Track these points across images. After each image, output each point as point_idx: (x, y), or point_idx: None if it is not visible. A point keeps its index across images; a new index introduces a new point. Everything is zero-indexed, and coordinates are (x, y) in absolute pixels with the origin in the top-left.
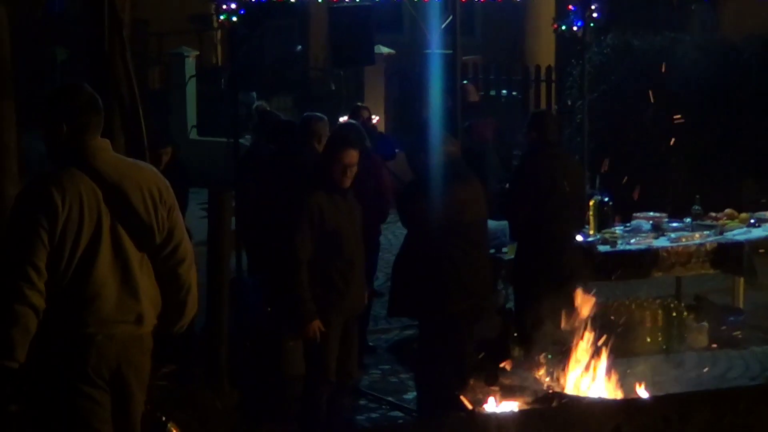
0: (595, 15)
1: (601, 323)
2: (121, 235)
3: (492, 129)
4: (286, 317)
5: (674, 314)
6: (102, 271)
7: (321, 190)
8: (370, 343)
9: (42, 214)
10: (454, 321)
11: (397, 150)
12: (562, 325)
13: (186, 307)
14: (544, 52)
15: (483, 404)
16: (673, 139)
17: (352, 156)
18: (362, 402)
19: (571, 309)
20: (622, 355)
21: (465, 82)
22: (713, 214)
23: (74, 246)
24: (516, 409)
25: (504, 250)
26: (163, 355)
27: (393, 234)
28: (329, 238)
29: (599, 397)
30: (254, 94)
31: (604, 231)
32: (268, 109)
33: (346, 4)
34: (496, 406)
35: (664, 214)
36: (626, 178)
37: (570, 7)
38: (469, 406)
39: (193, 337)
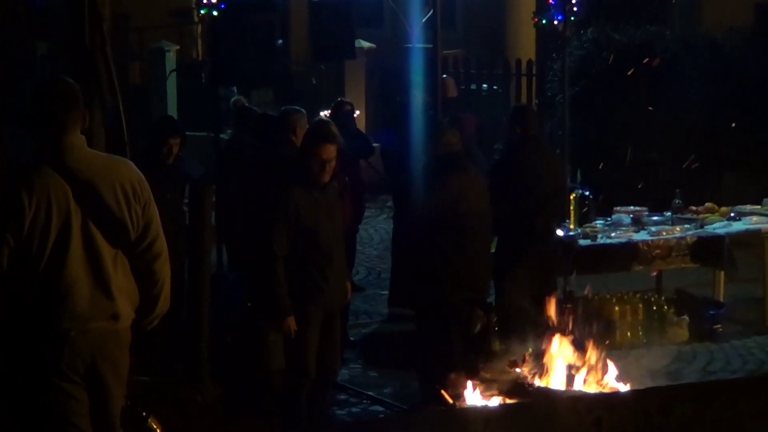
0: (575, 9)
1: (581, 317)
2: (93, 232)
3: (473, 124)
4: (266, 311)
5: (655, 308)
6: (73, 268)
7: (298, 186)
8: (351, 338)
9: (8, 213)
10: (448, 314)
11: (375, 145)
12: (543, 318)
13: (159, 301)
14: (525, 46)
15: (464, 398)
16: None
17: (330, 151)
18: (343, 396)
19: (552, 303)
20: (604, 348)
21: (444, 76)
22: (693, 208)
23: (41, 244)
24: (497, 403)
25: None
26: (133, 348)
27: (374, 228)
28: (307, 233)
29: (579, 391)
30: (235, 88)
31: (584, 225)
32: (246, 104)
33: None
34: (476, 399)
35: (644, 208)
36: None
37: (550, 0)
38: (450, 400)
39: (174, 331)
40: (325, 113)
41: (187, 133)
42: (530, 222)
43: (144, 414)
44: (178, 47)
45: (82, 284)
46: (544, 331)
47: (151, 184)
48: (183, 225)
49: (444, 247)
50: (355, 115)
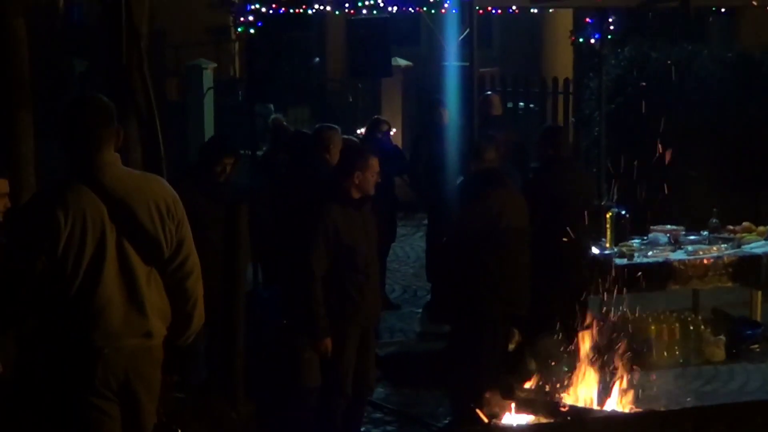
0: (612, 27)
1: (617, 336)
2: (128, 250)
3: (505, 143)
4: (302, 329)
5: (691, 327)
6: (108, 286)
7: (336, 204)
8: (381, 354)
9: (44, 231)
10: (486, 328)
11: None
12: (577, 338)
13: (193, 319)
14: (562, 64)
15: (499, 417)
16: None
17: (377, 164)
18: (378, 415)
19: (586, 322)
20: (639, 368)
21: (489, 93)
22: (731, 227)
23: (77, 262)
24: (531, 423)
25: None
26: (169, 365)
27: (410, 246)
28: (345, 252)
29: (614, 411)
30: (271, 105)
31: (621, 244)
32: (284, 123)
33: (363, 16)
34: (511, 419)
35: (681, 227)
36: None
37: (587, 19)
38: (485, 419)
39: (208, 349)
40: (361, 131)
41: None
42: (562, 241)
43: (179, 431)
44: (216, 65)
45: (116, 302)
46: (580, 350)
47: (202, 200)
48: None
49: (484, 261)
50: (391, 133)
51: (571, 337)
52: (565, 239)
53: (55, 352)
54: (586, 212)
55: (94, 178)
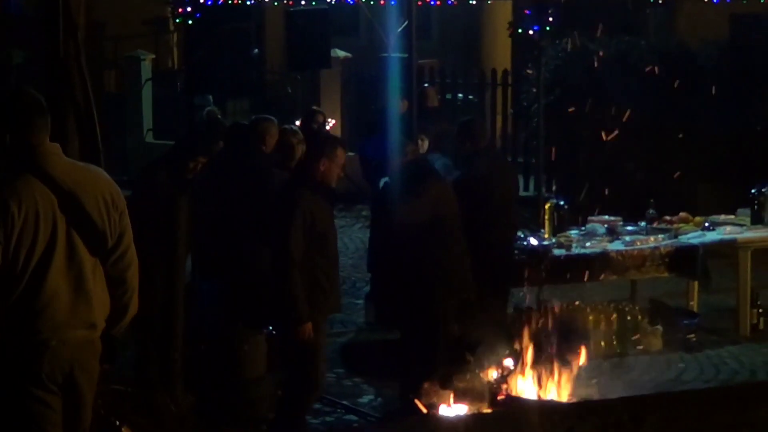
0: (551, 19)
1: (555, 326)
2: (76, 242)
3: (440, 134)
4: (243, 320)
5: (629, 317)
6: (56, 278)
7: (308, 189)
8: None
9: None
10: (440, 320)
11: (351, 155)
12: (515, 329)
13: (128, 309)
14: (501, 55)
15: (437, 407)
16: (616, 131)
17: (343, 156)
18: (317, 406)
19: (512, 313)
20: (576, 358)
21: (426, 85)
22: (668, 218)
23: (29, 254)
24: (470, 413)
25: None
26: (103, 355)
27: (349, 238)
28: (317, 239)
29: (552, 400)
30: (210, 97)
31: (559, 234)
32: (219, 115)
33: (302, 7)
34: (450, 409)
35: (618, 218)
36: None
37: (526, 11)
38: (424, 410)
39: (144, 342)
40: (298, 122)
41: (162, 141)
42: (486, 233)
43: (117, 423)
44: (154, 56)
45: (64, 294)
46: (517, 341)
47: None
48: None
49: (432, 251)
50: (330, 125)
51: (503, 329)
52: (490, 231)
53: (1, 344)
54: (510, 203)
55: (41, 169)
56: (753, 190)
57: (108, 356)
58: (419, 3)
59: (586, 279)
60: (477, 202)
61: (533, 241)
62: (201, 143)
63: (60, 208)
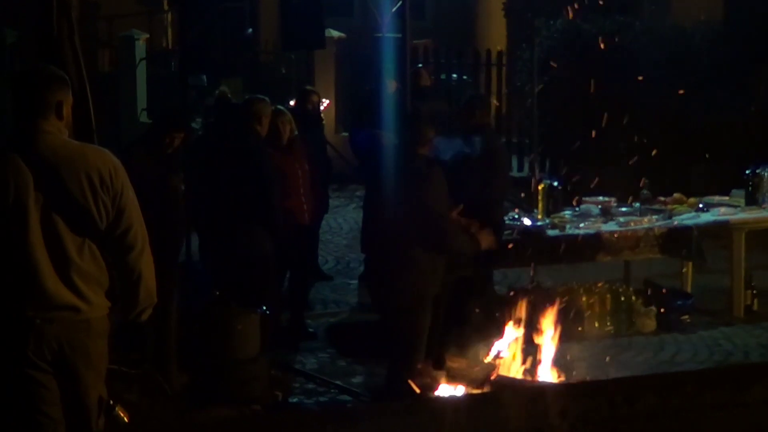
0: None
1: (549, 307)
2: (54, 221)
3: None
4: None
5: (622, 298)
6: (35, 256)
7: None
8: (311, 329)
9: None
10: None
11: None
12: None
13: (138, 295)
14: (495, 36)
15: (430, 388)
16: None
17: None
18: (311, 386)
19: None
20: (570, 339)
21: (419, 65)
22: (662, 199)
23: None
24: (462, 393)
25: None
26: (126, 342)
27: (343, 218)
28: None
29: (546, 381)
30: (204, 77)
31: (553, 215)
32: (229, 95)
33: None
34: (443, 390)
35: (612, 199)
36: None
37: None
38: (417, 390)
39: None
40: (292, 102)
41: None
42: (489, 211)
43: (111, 402)
44: (148, 35)
45: (45, 274)
46: (510, 322)
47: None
48: (183, 210)
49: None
50: (324, 105)
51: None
52: (495, 208)
53: None
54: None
55: (26, 147)
56: (747, 171)
57: (131, 344)
58: None
59: (579, 260)
60: (484, 179)
61: (527, 222)
62: (174, 118)
63: (36, 185)
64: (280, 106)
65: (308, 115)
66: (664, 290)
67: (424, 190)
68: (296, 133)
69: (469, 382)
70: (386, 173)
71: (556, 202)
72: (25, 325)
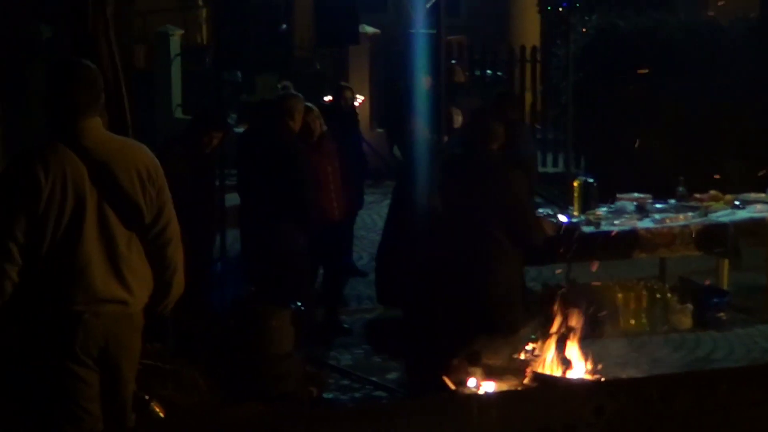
0: None
1: (584, 304)
2: (108, 213)
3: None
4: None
5: (658, 295)
6: (87, 248)
7: None
8: (345, 325)
9: (24, 189)
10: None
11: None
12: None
13: (172, 287)
14: (530, 32)
15: (465, 384)
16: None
17: None
18: (345, 382)
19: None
20: (605, 336)
21: (453, 62)
22: (698, 196)
23: (57, 222)
24: (497, 390)
25: None
26: (150, 333)
27: (378, 214)
28: None
29: (581, 378)
30: (239, 73)
31: (588, 212)
32: (292, 91)
33: None
34: (477, 386)
35: (648, 195)
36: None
37: None
38: (452, 386)
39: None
40: (327, 99)
41: (190, 117)
42: None
43: (147, 398)
44: (183, 31)
45: (96, 266)
46: (545, 318)
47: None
48: (216, 207)
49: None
50: (358, 101)
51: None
52: None
53: (34, 316)
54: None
55: (75, 141)
56: None
57: (156, 335)
58: None
59: (615, 257)
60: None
61: (562, 219)
62: (214, 118)
63: (90, 178)
64: (308, 103)
65: (342, 111)
66: (700, 287)
67: (515, 186)
68: (325, 129)
69: (504, 378)
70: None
71: (591, 199)
72: (74, 320)
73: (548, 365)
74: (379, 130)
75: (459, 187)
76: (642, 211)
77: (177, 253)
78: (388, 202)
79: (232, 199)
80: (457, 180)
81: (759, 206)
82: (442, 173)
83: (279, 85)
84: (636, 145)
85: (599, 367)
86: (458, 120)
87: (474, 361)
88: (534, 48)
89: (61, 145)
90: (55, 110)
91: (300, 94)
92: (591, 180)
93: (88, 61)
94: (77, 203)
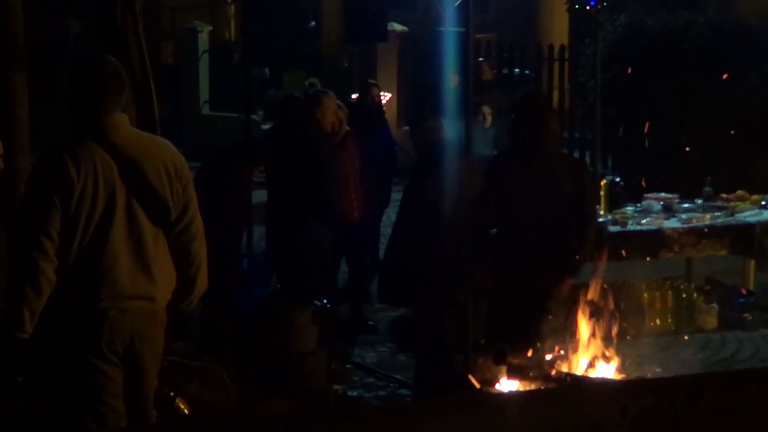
0: None
1: (610, 304)
2: (136, 210)
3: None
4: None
5: (684, 295)
6: (116, 244)
7: None
8: (371, 323)
9: (57, 185)
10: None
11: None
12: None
13: (196, 283)
14: (558, 30)
15: (490, 383)
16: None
17: None
18: (370, 380)
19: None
20: (632, 336)
21: (480, 59)
22: (724, 196)
23: (88, 218)
24: (523, 389)
25: None
26: (173, 330)
27: None
28: None
29: (607, 378)
30: (267, 69)
31: (615, 211)
32: (319, 87)
33: None
34: (503, 385)
35: (675, 195)
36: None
37: None
38: (477, 385)
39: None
40: (355, 96)
41: (218, 114)
42: None
43: (172, 395)
44: (211, 28)
45: (124, 262)
46: (571, 318)
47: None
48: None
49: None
50: (386, 99)
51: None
52: None
53: (61, 312)
54: None
55: (105, 137)
56: None
57: (179, 332)
58: None
59: (641, 256)
60: None
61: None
62: (258, 154)
63: (120, 175)
64: (338, 101)
65: (369, 109)
66: (726, 287)
67: (587, 180)
68: (348, 129)
69: (529, 377)
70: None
71: (617, 198)
72: (100, 316)
73: (574, 365)
74: (406, 128)
75: (526, 184)
76: (669, 210)
77: (201, 250)
78: None
79: (259, 195)
80: (523, 177)
81: None
82: (495, 170)
83: (306, 83)
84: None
85: (625, 366)
86: (489, 120)
87: (500, 359)
88: (562, 46)
89: (91, 142)
90: (81, 106)
91: (330, 92)
92: (618, 179)
93: (111, 57)
94: (108, 200)
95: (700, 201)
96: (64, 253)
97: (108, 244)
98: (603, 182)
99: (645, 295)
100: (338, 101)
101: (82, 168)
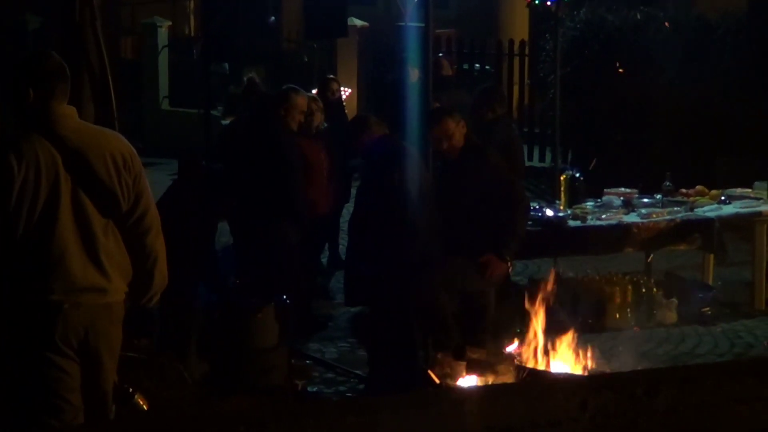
0: None
1: (569, 298)
2: (84, 201)
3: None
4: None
5: (643, 290)
6: (63, 235)
7: None
8: (321, 319)
9: None
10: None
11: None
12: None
13: (153, 278)
14: (518, 26)
15: (451, 378)
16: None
17: None
18: (330, 375)
19: (527, 284)
20: (591, 330)
21: (440, 55)
22: (684, 191)
23: (30, 210)
24: (481, 384)
25: None
26: (137, 328)
27: None
28: None
29: (566, 372)
30: (226, 65)
31: (575, 206)
32: (257, 81)
33: None
34: (462, 380)
35: (635, 190)
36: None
37: None
38: (437, 381)
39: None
40: (314, 91)
41: (178, 109)
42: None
43: (131, 390)
44: (171, 23)
45: (73, 254)
46: (530, 313)
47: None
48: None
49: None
50: (346, 94)
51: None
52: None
53: (12, 307)
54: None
55: (50, 129)
56: None
57: (141, 329)
58: None
59: (601, 251)
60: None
61: (549, 213)
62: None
63: (65, 166)
64: (313, 93)
65: (329, 104)
66: (685, 282)
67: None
68: (325, 125)
69: (488, 372)
70: None
71: (577, 193)
72: (53, 310)
73: (533, 360)
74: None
75: (450, 182)
76: (628, 205)
77: (157, 243)
78: None
79: None
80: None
81: (745, 202)
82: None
83: (244, 78)
84: (593, 163)
85: (584, 361)
86: None
87: (459, 355)
88: (522, 42)
89: (34, 134)
90: (25, 99)
91: (301, 89)
92: (578, 174)
93: (54, 52)
94: (51, 191)
95: (659, 196)
96: (7, 245)
97: (55, 235)
98: (563, 177)
99: (605, 289)
100: (313, 94)
101: (24, 160)
